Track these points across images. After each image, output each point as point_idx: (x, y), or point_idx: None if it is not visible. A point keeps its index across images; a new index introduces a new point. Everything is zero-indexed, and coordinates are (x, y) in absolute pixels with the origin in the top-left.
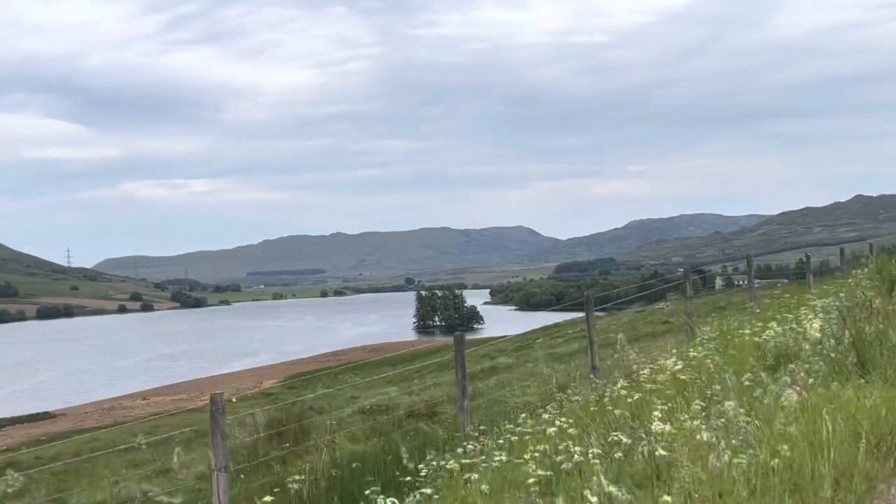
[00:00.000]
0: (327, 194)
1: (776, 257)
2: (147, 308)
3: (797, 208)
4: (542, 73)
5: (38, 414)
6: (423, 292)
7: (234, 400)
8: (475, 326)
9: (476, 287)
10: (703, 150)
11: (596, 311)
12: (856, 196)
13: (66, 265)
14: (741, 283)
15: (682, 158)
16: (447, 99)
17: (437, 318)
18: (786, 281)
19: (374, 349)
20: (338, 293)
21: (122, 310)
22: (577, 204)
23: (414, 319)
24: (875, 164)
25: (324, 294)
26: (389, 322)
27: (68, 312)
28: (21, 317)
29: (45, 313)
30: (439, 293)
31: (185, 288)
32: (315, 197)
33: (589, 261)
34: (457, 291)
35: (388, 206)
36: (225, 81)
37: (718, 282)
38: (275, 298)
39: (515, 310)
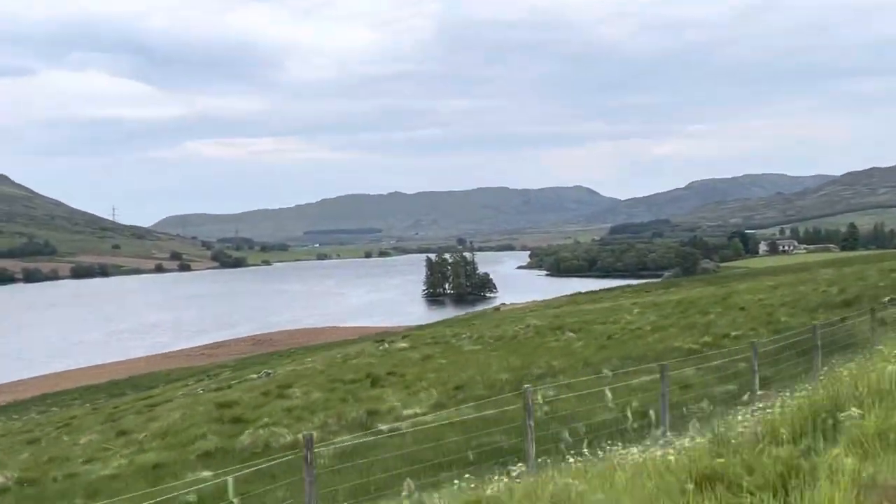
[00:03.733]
0: (386, 154)
1: (836, 220)
2: (185, 268)
3: (863, 168)
4: (604, 30)
5: None
6: (432, 257)
7: None
8: (487, 295)
9: (524, 249)
10: (770, 110)
11: (630, 279)
12: None
13: (120, 224)
14: (786, 248)
15: (747, 118)
16: (507, 57)
17: (447, 286)
18: (834, 247)
19: (259, 341)
20: (382, 254)
21: (160, 269)
22: (639, 164)
23: (424, 287)
24: None
25: (368, 255)
26: (408, 287)
27: (104, 272)
28: (54, 276)
29: (80, 272)
30: (450, 258)
31: (232, 247)
32: (373, 156)
33: (643, 222)
34: (467, 256)
35: (446, 166)
36: (286, 41)
37: (763, 247)
38: (319, 259)
39: (546, 275)
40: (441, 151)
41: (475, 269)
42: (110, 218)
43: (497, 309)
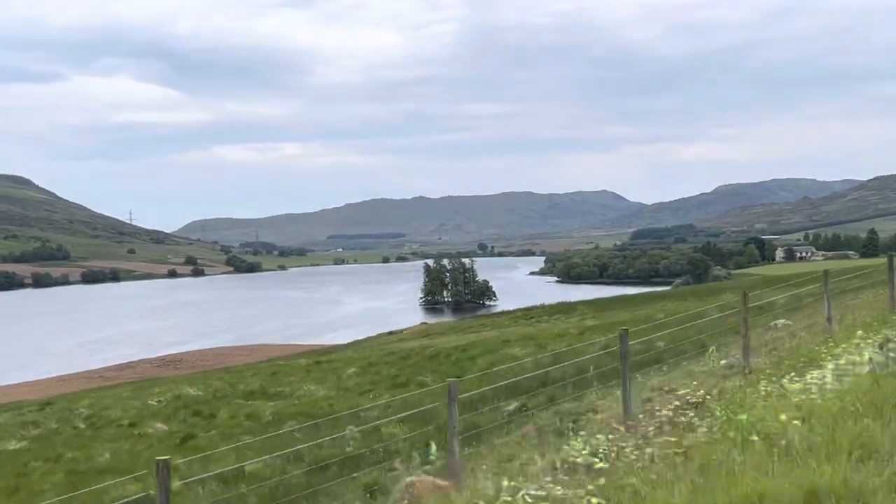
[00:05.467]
0: (411, 158)
1: (863, 225)
2: (198, 273)
3: (892, 173)
4: (631, 33)
5: None
6: (430, 263)
7: None
8: (486, 303)
9: (544, 254)
10: (800, 113)
11: (640, 287)
12: None
13: (139, 228)
14: (803, 255)
15: (777, 121)
16: (533, 61)
17: (445, 293)
18: (853, 255)
19: (167, 362)
20: (400, 258)
21: (172, 274)
22: (666, 168)
23: (421, 294)
24: None
25: (386, 260)
26: (414, 294)
27: (115, 277)
28: (65, 281)
29: (91, 277)
30: (448, 265)
31: (250, 251)
32: (399, 160)
33: (667, 227)
34: (466, 263)
35: (471, 171)
36: (313, 45)
37: (780, 253)
38: (336, 263)
39: (557, 282)
40: (467, 156)
41: (474, 276)
42: (146, 224)
43: (391, 333)
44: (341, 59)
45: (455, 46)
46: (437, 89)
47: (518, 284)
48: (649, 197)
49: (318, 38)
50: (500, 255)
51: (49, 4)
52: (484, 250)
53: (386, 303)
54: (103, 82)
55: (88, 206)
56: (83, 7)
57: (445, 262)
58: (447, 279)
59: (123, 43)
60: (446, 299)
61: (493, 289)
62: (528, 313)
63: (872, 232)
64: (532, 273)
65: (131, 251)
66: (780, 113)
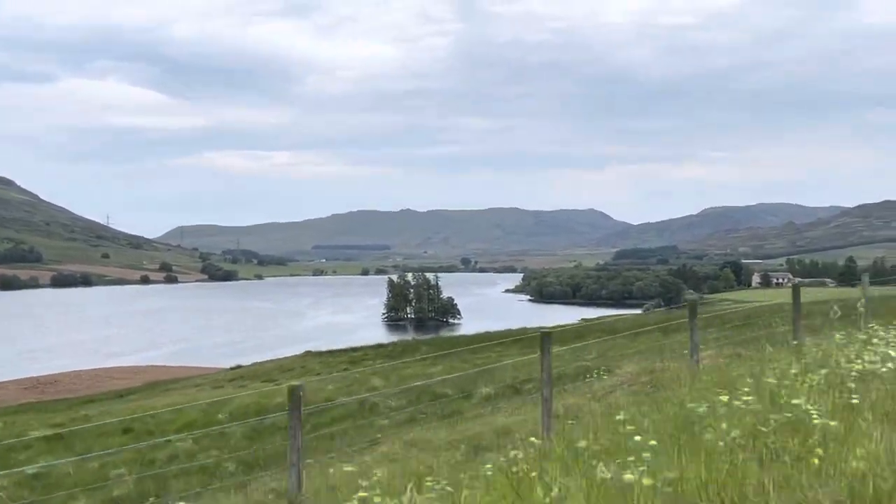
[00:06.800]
0: (401, 170)
1: (844, 252)
2: (171, 280)
3: (877, 201)
4: (625, 53)
5: None
6: (394, 278)
7: None
8: (450, 321)
9: (525, 270)
10: (790, 138)
11: (613, 309)
12: None
13: (119, 232)
14: (779, 280)
15: (766, 146)
16: (527, 78)
17: (409, 310)
18: (830, 282)
19: (38, 384)
20: (380, 271)
21: (145, 280)
22: (654, 189)
23: (384, 310)
24: None
25: (365, 272)
26: (377, 309)
27: (86, 281)
28: (34, 284)
29: (61, 281)
30: (412, 280)
31: (229, 259)
32: (388, 172)
33: (650, 248)
34: (430, 279)
35: (459, 185)
36: (306, 54)
37: (756, 278)
38: (315, 274)
39: (529, 301)
40: (455, 170)
41: (439, 292)
42: (132, 230)
43: (237, 367)
44: (335, 70)
45: (448, 60)
46: (430, 102)
47: (489, 302)
48: (636, 217)
49: (313, 48)
50: (482, 270)
51: (46, 4)
52: (467, 265)
53: (351, 317)
54: (95, 85)
55: (72, 210)
56: (80, 8)
57: (409, 277)
58: (411, 295)
59: (118, 46)
60: (409, 316)
61: (458, 307)
62: (378, 351)
63: (851, 260)
64: (507, 291)
65: (105, 255)
66: (770, 137)
